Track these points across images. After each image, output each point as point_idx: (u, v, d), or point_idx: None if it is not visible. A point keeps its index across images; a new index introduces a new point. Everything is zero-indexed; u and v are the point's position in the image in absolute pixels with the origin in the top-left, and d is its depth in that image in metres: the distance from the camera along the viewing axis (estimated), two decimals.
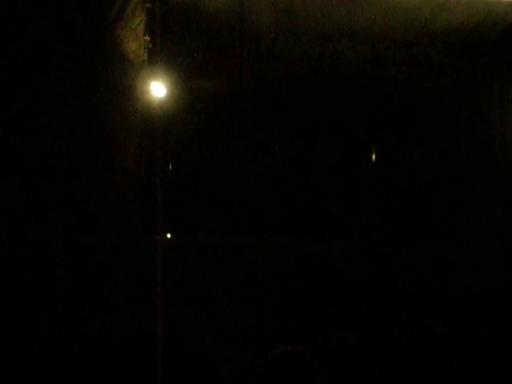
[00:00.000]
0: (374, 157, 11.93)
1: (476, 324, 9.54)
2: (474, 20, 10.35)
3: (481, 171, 11.08)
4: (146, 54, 8.90)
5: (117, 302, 7.75)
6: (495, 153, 10.78)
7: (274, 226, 11.01)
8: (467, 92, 11.35)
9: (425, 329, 4.65)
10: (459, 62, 11.24)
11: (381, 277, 10.22)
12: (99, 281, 7.54)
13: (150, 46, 9.00)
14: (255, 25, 10.69)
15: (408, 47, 11.25)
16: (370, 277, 10.30)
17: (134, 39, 8.66)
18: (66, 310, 6.76)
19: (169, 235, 10.25)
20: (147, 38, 8.91)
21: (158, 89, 8.90)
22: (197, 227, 10.57)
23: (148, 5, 8.90)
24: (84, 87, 7.41)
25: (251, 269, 9.78)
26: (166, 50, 9.56)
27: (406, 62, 11.33)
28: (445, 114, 11.55)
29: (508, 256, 9.55)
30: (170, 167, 10.83)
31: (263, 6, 10.09)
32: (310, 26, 10.66)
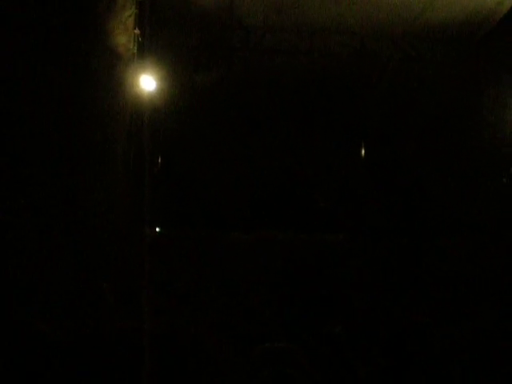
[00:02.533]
0: (363, 152, 11.96)
1: (464, 317, 9.63)
2: (463, 16, 10.39)
3: (470, 164, 11.14)
4: (135, 47, 8.86)
5: (108, 294, 7.75)
6: (484, 145, 10.84)
7: (263, 220, 11.03)
8: (456, 87, 11.39)
9: (416, 326, 4.68)
10: (448, 57, 11.28)
11: (370, 270, 10.27)
12: (90, 273, 7.53)
13: (140, 39, 8.97)
14: (244, 19, 10.70)
15: (397, 42, 11.29)
16: (360, 270, 10.35)
17: (124, 32, 8.61)
18: (60, 303, 6.74)
19: (158, 229, 10.25)
20: (137, 31, 8.88)
21: (147, 82, 8.87)
22: (187, 220, 10.58)
23: None
24: (72, 80, 7.35)
25: (242, 261, 9.80)
26: (156, 44, 9.54)
27: (395, 58, 11.38)
28: (434, 109, 11.59)
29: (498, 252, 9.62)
30: (160, 160, 10.83)
31: (252, 1, 10.09)
32: (298, 20, 10.68)
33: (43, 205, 7.11)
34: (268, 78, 11.41)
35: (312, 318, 9.84)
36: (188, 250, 9.52)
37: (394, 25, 10.76)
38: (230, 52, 11.10)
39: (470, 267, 10.06)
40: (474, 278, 9.89)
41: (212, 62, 11.02)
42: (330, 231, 11.11)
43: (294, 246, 10.33)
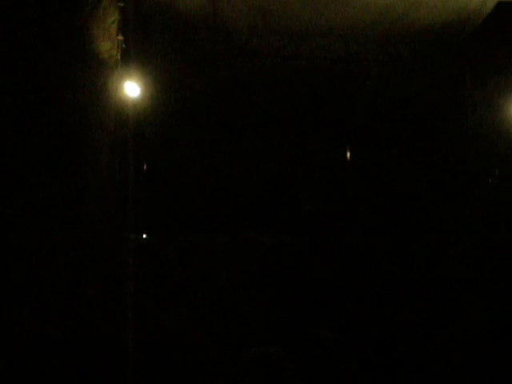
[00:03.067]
0: (348, 155, 11.96)
1: (454, 318, 9.67)
2: (447, 17, 10.41)
3: (456, 165, 11.17)
4: (119, 54, 8.84)
5: (93, 299, 7.77)
6: (470, 146, 10.88)
7: (249, 224, 11.03)
8: (441, 88, 11.43)
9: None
10: (433, 58, 11.31)
11: (359, 271, 10.29)
12: (77, 279, 7.53)
13: (124, 45, 8.95)
14: (228, 23, 10.69)
15: (381, 44, 11.31)
16: (344, 273, 10.36)
17: (107, 39, 8.60)
18: (52, 304, 6.77)
19: (144, 235, 10.23)
20: (120, 37, 8.86)
21: (132, 88, 8.84)
22: (173, 226, 10.57)
23: (121, 4, 8.84)
24: (56, 87, 7.35)
25: (228, 265, 9.81)
26: (140, 50, 9.51)
27: (380, 60, 11.40)
28: (419, 110, 11.62)
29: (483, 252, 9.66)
30: (145, 167, 10.81)
31: (236, 4, 10.08)
32: (282, 24, 10.68)
33: (28, 211, 7.09)
34: (253, 81, 11.41)
35: (299, 320, 9.88)
36: (174, 255, 9.52)
37: (378, 27, 10.78)
38: (214, 56, 11.09)
39: (459, 267, 10.10)
40: (463, 279, 9.94)
41: (196, 66, 11.02)
42: (316, 234, 11.11)
43: (280, 249, 10.34)
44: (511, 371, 8.27)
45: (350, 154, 11.94)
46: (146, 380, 8.08)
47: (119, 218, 8.77)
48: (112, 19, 8.72)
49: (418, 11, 10.27)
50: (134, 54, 9.11)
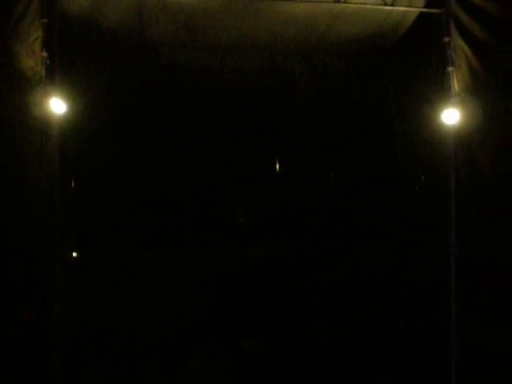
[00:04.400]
0: (277, 166, 12.04)
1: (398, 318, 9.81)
2: (371, 28, 10.60)
3: (382, 176, 11.36)
4: (43, 70, 8.74)
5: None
6: (396, 156, 11.07)
7: (182, 239, 11.00)
8: (368, 99, 11.61)
9: None
10: (359, 69, 11.49)
11: (293, 283, 10.37)
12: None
13: (48, 62, 8.84)
14: (155, 39, 10.67)
15: (307, 57, 11.44)
16: (282, 284, 10.43)
17: (32, 55, 8.48)
18: None
19: (75, 253, 10.12)
20: (45, 53, 8.76)
21: (57, 105, 8.73)
22: (104, 244, 10.47)
23: (44, 20, 8.75)
24: None
25: (161, 280, 9.78)
26: (65, 66, 9.41)
27: (305, 72, 11.53)
28: (347, 121, 11.78)
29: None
30: (73, 185, 10.68)
31: (162, 20, 10.08)
32: (209, 39, 10.72)
33: None
34: (181, 96, 11.40)
35: (233, 333, 9.89)
36: (104, 272, 9.45)
37: (304, 40, 10.90)
38: (141, 72, 11.06)
39: (396, 271, 10.29)
40: (404, 281, 10.13)
41: (123, 81, 10.97)
42: (251, 246, 11.17)
43: (214, 263, 10.36)
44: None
45: (279, 165, 12.02)
46: None
47: (48, 237, 8.65)
48: (35, 36, 8.62)
49: (343, 24, 10.42)
50: (59, 71, 9.01)
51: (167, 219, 11.20)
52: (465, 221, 8.83)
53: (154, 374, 9.24)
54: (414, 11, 10.05)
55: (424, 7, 9.78)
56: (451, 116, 9.05)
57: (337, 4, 9.52)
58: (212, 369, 9.27)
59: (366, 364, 9.85)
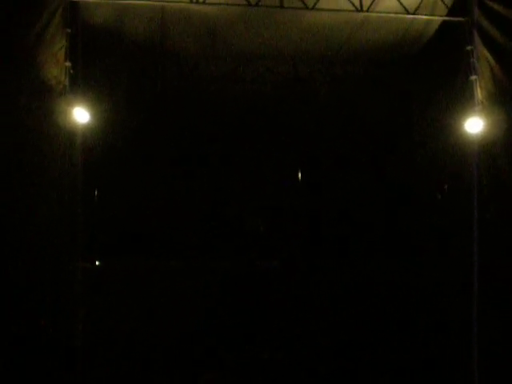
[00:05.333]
0: (299, 177, 12.00)
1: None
2: (393, 37, 10.58)
3: (405, 184, 11.30)
4: (67, 80, 8.79)
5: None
6: (418, 164, 11.02)
7: (201, 248, 10.99)
8: (389, 107, 11.57)
9: None
10: (380, 78, 11.46)
11: (305, 295, 10.33)
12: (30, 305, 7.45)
13: (72, 71, 8.90)
14: (176, 47, 10.72)
15: (328, 66, 11.43)
16: (295, 296, 10.39)
17: (55, 65, 8.53)
18: None
19: (98, 262, 10.15)
20: (68, 63, 8.81)
21: (80, 114, 8.77)
22: (125, 252, 10.49)
23: (68, 30, 8.81)
24: (4, 115, 7.25)
25: (179, 290, 9.78)
26: (88, 75, 9.47)
27: (327, 81, 11.50)
28: (367, 130, 11.73)
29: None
30: (96, 193, 10.72)
31: (184, 28, 10.12)
32: (231, 47, 10.74)
33: None
34: (201, 105, 11.41)
35: (248, 344, 9.88)
36: (126, 281, 9.48)
37: (325, 49, 10.90)
38: (163, 80, 11.10)
39: (409, 287, 10.23)
40: (412, 299, 10.07)
41: (145, 91, 11.01)
42: (266, 257, 11.15)
43: (230, 273, 10.35)
44: None
45: (298, 174, 11.98)
46: None
47: (70, 245, 8.68)
48: (59, 45, 8.67)
49: (365, 33, 10.42)
50: (82, 80, 9.07)
51: (186, 228, 11.19)
52: (487, 229, 8.77)
53: None
54: (437, 20, 10.03)
55: (447, 15, 9.74)
56: (474, 125, 8.98)
57: (359, 13, 9.50)
58: (228, 381, 9.28)
59: (383, 369, 9.82)
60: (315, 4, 9.34)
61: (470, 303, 8.82)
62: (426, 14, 9.76)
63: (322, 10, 9.45)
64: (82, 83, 9.11)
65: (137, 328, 9.68)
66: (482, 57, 8.99)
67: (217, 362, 9.50)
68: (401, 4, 9.50)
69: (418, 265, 10.21)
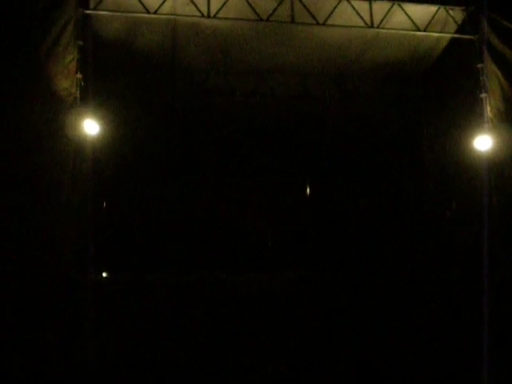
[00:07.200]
0: (308, 191, 12.01)
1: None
2: (404, 54, 10.61)
3: (409, 200, 11.30)
4: (78, 92, 8.82)
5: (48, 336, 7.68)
6: (426, 181, 11.01)
7: (210, 261, 10.99)
8: (398, 123, 11.58)
9: None
10: (389, 94, 11.47)
11: (318, 307, 10.28)
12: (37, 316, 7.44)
13: (83, 83, 8.94)
14: (187, 61, 10.76)
15: (339, 81, 11.45)
16: (308, 307, 10.35)
17: (66, 76, 8.57)
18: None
19: (104, 274, 10.14)
20: (79, 75, 8.85)
21: (90, 126, 8.79)
22: (133, 264, 10.49)
23: (80, 42, 8.86)
24: (15, 125, 7.28)
25: (187, 302, 9.75)
26: (99, 87, 9.51)
27: (337, 96, 11.52)
28: (377, 146, 11.73)
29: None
30: (104, 205, 10.74)
31: (195, 42, 10.16)
32: (241, 62, 10.79)
33: None
34: (211, 118, 11.46)
35: (258, 357, 9.82)
36: (134, 293, 9.44)
37: (336, 64, 10.93)
38: (173, 93, 11.13)
39: (419, 301, 10.17)
40: (423, 314, 10.01)
41: (155, 103, 11.05)
42: (277, 270, 11.12)
43: (240, 286, 10.32)
44: None
45: (309, 189, 12.00)
46: None
47: (79, 256, 8.69)
48: (71, 58, 8.71)
49: (376, 49, 10.46)
50: (93, 92, 9.11)
51: (197, 241, 11.19)
52: (497, 245, 8.73)
53: None
54: (447, 37, 10.05)
55: (457, 33, 9.76)
56: (484, 142, 8.96)
57: (370, 29, 9.53)
58: None
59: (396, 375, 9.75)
60: (326, 20, 9.39)
61: (481, 319, 8.77)
62: (436, 31, 9.78)
63: (333, 25, 9.50)
64: (93, 95, 9.14)
65: (144, 340, 9.66)
66: (492, 74, 8.99)
67: (221, 376, 9.46)
68: (411, 21, 9.53)
69: (426, 281, 10.17)
